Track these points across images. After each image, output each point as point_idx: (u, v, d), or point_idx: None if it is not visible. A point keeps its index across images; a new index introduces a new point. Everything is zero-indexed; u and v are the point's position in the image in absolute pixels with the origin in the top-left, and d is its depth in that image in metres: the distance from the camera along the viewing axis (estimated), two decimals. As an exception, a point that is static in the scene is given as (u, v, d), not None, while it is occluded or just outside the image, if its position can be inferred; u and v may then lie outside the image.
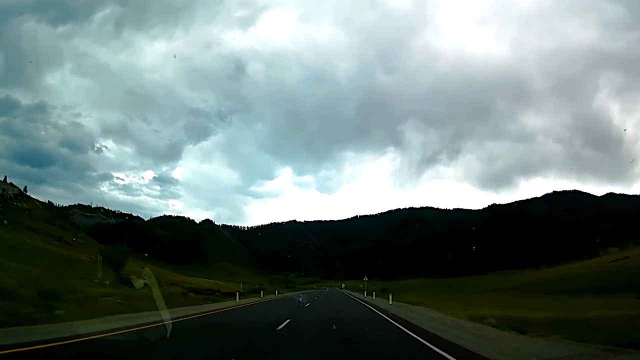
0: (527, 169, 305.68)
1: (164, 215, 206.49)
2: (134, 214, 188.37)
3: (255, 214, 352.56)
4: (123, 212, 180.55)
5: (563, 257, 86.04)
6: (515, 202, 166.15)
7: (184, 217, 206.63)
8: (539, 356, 7.83)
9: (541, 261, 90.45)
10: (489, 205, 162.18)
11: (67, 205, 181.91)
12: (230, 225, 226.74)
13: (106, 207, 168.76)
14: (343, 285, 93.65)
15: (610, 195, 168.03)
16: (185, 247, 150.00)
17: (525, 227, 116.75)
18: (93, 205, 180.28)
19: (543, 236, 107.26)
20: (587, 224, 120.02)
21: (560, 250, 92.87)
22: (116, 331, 9.85)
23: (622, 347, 7.68)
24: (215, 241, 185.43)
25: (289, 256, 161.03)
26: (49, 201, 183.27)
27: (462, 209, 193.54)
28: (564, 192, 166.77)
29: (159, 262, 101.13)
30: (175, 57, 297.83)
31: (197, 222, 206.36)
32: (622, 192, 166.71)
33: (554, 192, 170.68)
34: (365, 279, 54.52)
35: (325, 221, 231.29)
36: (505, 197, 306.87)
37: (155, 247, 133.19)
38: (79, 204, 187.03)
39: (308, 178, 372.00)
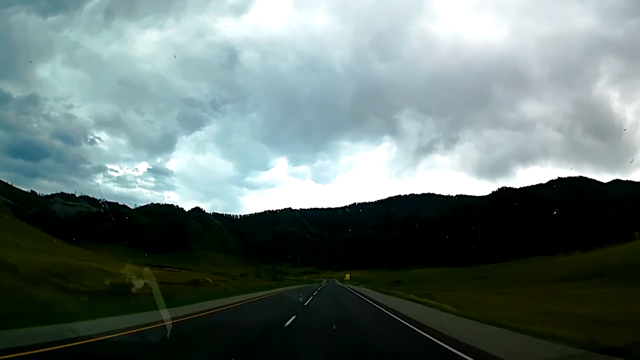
0: (526, 158, 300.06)
1: (151, 203, 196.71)
2: (120, 203, 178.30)
3: (251, 205, 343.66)
4: (109, 201, 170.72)
5: (594, 242, 77.55)
6: (521, 187, 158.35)
7: (172, 205, 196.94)
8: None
9: (569, 246, 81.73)
10: (498, 189, 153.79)
11: (49, 194, 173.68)
12: (222, 214, 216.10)
13: (92, 196, 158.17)
14: (348, 276, 75.88)
15: (617, 182, 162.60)
16: (169, 236, 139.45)
17: (536, 212, 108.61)
18: (77, 195, 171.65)
19: (558, 221, 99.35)
20: (600, 209, 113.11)
21: (585, 234, 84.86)
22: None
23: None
24: (202, 230, 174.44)
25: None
26: (31, 190, 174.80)
27: (465, 195, 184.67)
28: (569, 178, 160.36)
29: (138, 252, 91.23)
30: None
31: (187, 210, 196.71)
32: (627, 179, 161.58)
33: (559, 178, 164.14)
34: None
35: (322, 209, 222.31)
36: (503, 184, 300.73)
37: (137, 236, 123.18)
38: (61, 193, 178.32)
39: (304, 168, 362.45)
